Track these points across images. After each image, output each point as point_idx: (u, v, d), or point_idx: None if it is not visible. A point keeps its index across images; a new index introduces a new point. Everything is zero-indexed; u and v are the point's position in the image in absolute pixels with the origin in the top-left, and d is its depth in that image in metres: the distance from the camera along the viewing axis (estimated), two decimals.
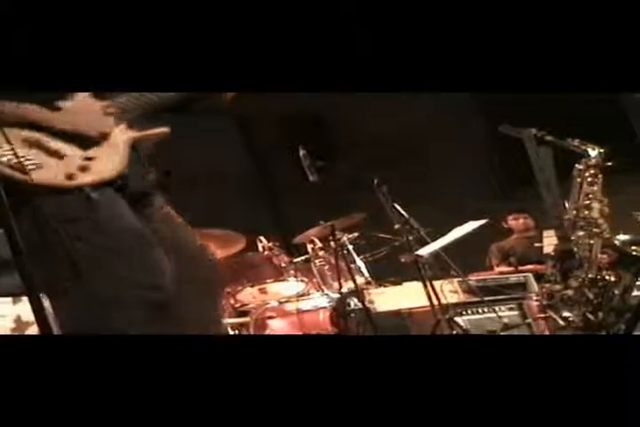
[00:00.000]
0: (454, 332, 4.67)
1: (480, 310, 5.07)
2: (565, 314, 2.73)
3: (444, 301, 4.93)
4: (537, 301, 2.81)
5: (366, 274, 5.89)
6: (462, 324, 4.90)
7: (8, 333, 4.33)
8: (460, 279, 5.22)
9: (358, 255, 5.96)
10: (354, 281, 5.31)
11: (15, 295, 4.45)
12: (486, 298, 5.04)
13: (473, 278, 5.40)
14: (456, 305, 5.03)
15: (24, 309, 4.41)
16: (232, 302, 5.53)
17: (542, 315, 2.78)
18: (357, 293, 5.28)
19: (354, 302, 5.38)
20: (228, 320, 5.06)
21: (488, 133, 7.61)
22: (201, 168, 7.60)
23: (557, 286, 2.76)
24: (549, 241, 4.94)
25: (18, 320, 4.40)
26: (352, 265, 5.73)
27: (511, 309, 5.02)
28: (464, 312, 5.04)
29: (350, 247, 5.86)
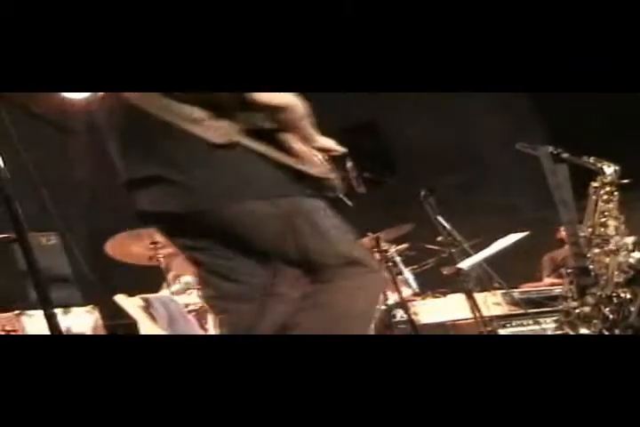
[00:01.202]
0: None
1: (524, 323, 5.05)
2: (582, 331, 2.73)
3: (487, 313, 4.94)
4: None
5: (414, 285, 5.91)
6: None
7: None
8: (504, 291, 5.22)
9: (407, 266, 5.98)
10: (399, 293, 5.34)
11: (66, 307, 4.60)
12: (530, 310, 5.03)
13: (517, 290, 5.39)
14: (499, 317, 5.03)
15: (74, 320, 4.56)
16: None
17: (559, 332, 2.77)
18: (402, 304, 5.31)
19: (400, 314, 5.41)
20: None
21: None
22: None
23: (574, 303, 2.76)
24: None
25: (67, 332, 4.54)
26: (399, 277, 5.76)
27: (556, 321, 4.98)
28: (507, 324, 5.04)
29: (398, 259, 5.88)
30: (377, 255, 5.58)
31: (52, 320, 2.17)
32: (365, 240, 5.72)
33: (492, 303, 5.15)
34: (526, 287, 5.91)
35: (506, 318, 5.04)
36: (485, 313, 4.95)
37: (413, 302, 5.51)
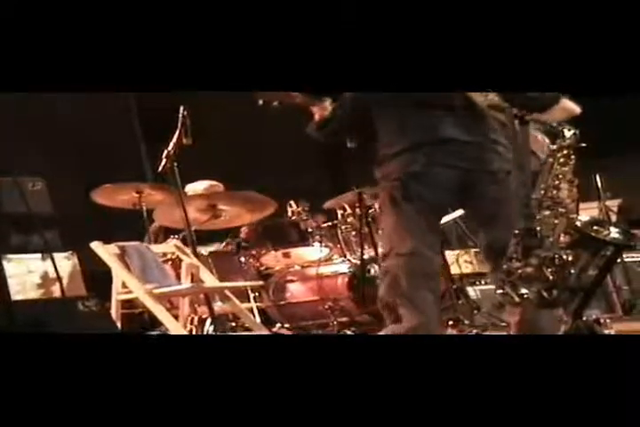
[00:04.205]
0: (460, 302, 4.79)
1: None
2: (522, 291, 2.81)
3: (458, 271, 5.06)
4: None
5: None
6: (472, 294, 5.01)
7: (35, 288, 4.59)
8: (477, 250, 5.31)
9: None
10: (375, 248, 5.42)
11: (44, 252, 4.70)
12: None
13: None
14: (468, 276, 5.14)
15: (51, 265, 4.66)
16: (257, 264, 5.70)
17: (500, 291, 2.85)
18: (377, 260, 5.39)
19: (374, 269, 5.50)
20: (246, 283, 5.23)
21: None
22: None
23: (518, 264, 2.83)
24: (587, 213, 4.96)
25: (44, 276, 4.66)
26: (379, 232, 5.83)
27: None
28: (477, 282, 5.15)
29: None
30: (358, 211, 5.65)
31: None
32: (349, 195, 5.78)
33: (464, 261, 5.25)
34: None
35: (475, 277, 5.15)
36: (457, 271, 5.06)
37: None
